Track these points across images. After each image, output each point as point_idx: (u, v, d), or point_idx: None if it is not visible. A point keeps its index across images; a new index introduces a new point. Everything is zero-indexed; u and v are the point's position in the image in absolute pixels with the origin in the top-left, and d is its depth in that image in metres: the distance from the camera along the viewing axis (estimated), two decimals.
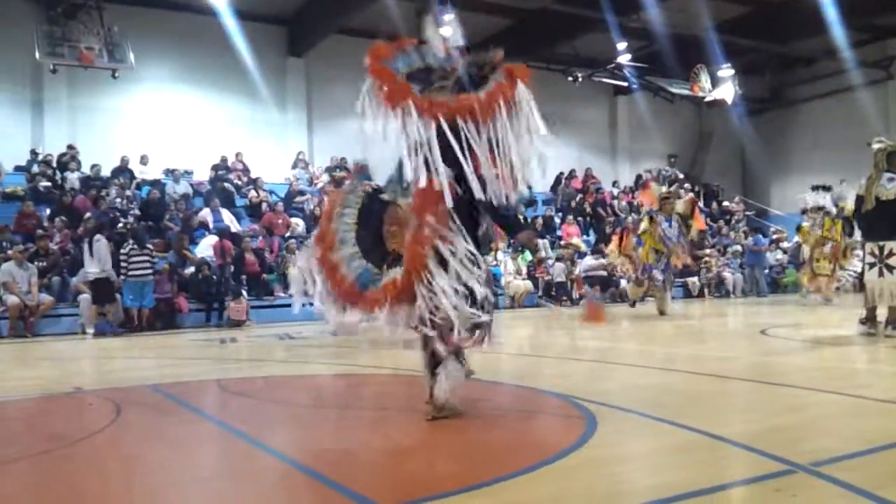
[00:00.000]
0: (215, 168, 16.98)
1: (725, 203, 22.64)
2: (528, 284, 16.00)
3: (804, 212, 13.38)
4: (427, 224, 3.70)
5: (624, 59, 19.41)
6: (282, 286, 14.17)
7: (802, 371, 5.91)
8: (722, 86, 20.54)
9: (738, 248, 19.45)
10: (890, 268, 7.19)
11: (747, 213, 22.45)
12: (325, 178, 17.62)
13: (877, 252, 7.30)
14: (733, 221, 21.54)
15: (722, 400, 4.67)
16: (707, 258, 17.79)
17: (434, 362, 3.95)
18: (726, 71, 20.20)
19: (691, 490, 2.63)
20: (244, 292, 13.30)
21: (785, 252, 18.76)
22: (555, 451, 3.25)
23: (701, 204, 21.92)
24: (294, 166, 17.83)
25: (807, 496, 2.60)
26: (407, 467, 3.24)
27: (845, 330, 9.03)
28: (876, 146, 7.48)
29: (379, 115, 3.95)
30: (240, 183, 16.91)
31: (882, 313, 7.51)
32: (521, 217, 4.01)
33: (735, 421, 3.94)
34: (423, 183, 3.78)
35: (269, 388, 5.78)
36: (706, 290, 17.73)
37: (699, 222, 12.20)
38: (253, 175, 17.20)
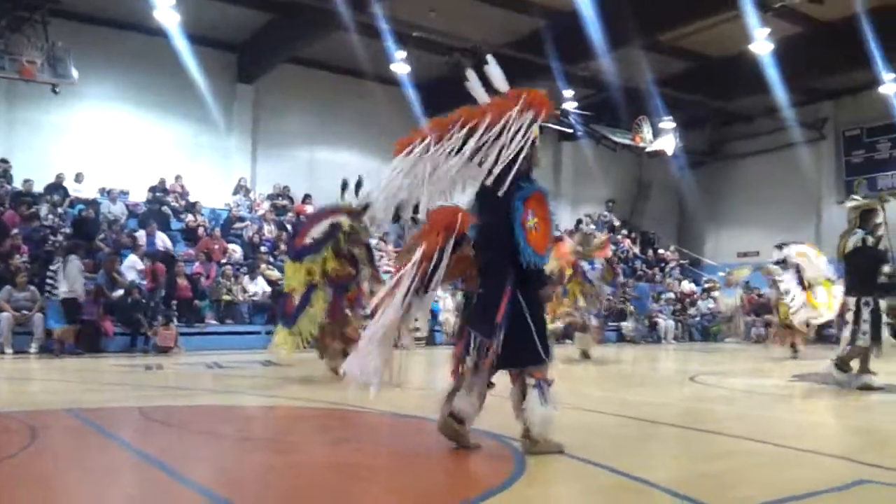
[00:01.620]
0: (153, 189, 16.62)
1: (661, 251, 23.17)
2: None
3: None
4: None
5: (570, 106, 19.83)
6: (214, 313, 13.87)
7: (729, 419, 6.01)
8: (663, 137, 21.14)
9: (672, 295, 19.89)
10: (845, 322, 7.43)
11: (681, 261, 22.99)
12: (267, 205, 17.43)
13: (844, 306, 7.62)
14: (667, 269, 22.03)
15: (650, 444, 4.71)
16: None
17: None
18: (668, 123, 20.81)
19: None
20: (174, 318, 12.96)
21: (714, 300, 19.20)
22: (479, 491, 3.21)
23: (637, 250, 22.45)
24: (235, 192, 17.58)
25: None
26: None
27: (773, 379, 9.27)
28: (850, 204, 7.69)
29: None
30: (177, 206, 16.58)
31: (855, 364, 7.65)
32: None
33: (661, 466, 3.96)
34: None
35: (193, 418, 5.59)
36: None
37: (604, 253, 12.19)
38: (192, 199, 16.89)
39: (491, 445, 4.38)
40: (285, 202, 17.94)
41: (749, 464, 4.06)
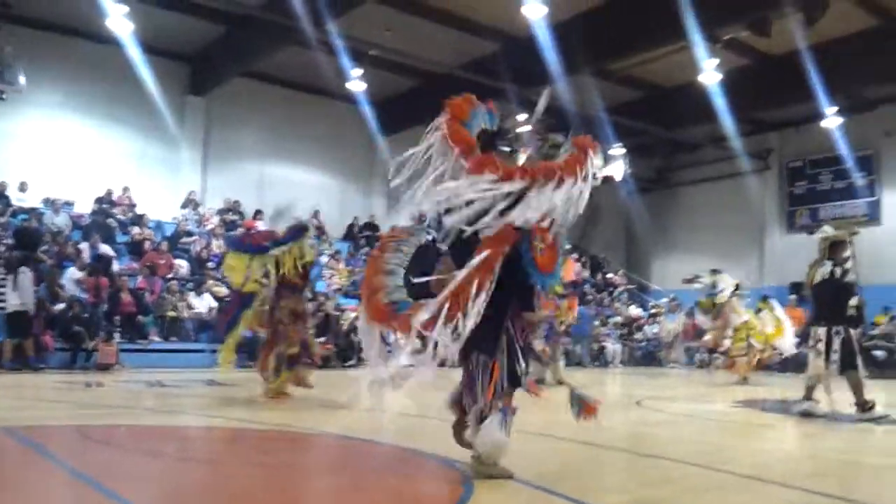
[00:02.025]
0: (99, 201, 16.23)
1: (609, 275, 23.47)
2: (417, 343, 15.93)
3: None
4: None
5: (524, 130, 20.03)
6: (158, 329, 13.56)
7: (673, 443, 6.08)
8: (613, 164, 21.48)
9: (619, 319, 20.14)
10: (818, 352, 7.40)
11: (629, 286, 23.31)
12: (216, 220, 17.16)
13: (812, 336, 7.57)
14: (615, 293, 22.31)
15: (596, 469, 4.73)
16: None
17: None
18: (618, 150, 21.18)
19: None
20: (116, 334, 12.63)
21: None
22: None
23: (587, 274, 22.71)
24: (184, 206, 17.28)
25: None
26: None
27: (717, 405, 9.43)
28: (819, 236, 7.74)
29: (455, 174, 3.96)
30: (124, 218, 16.21)
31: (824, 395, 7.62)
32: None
33: (607, 491, 3.98)
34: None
35: (133, 438, 5.43)
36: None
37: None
38: (139, 211, 16.54)
39: (438, 469, 4.34)
40: (235, 217, 17.69)
41: (692, 489, 4.11)
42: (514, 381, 4.00)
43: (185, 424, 6.45)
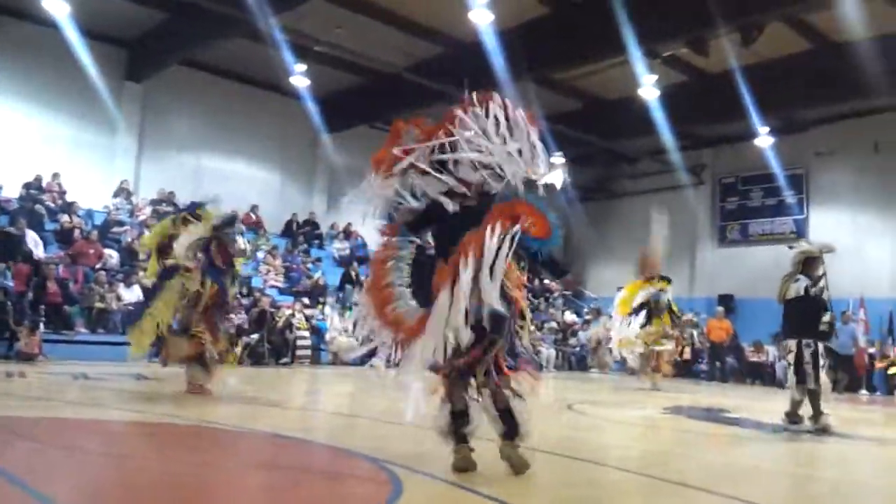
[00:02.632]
0: (27, 186, 15.65)
1: (546, 281, 23.74)
2: (353, 341, 15.81)
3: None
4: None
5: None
6: (85, 321, 13.15)
7: (601, 448, 6.19)
8: (553, 172, 21.72)
9: (554, 324, 20.39)
10: (788, 364, 7.54)
11: (565, 292, 23.62)
12: (149, 210, 16.73)
13: (782, 349, 7.69)
14: (551, 299, 22.59)
15: (525, 471, 4.76)
16: None
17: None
18: (558, 159, 21.46)
19: None
20: (40, 324, 12.20)
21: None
22: None
23: (524, 279, 22.91)
24: (116, 195, 16.78)
25: None
26: None
27: (646, 410, 9.63)
28: (794, 250, 7.82)
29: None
30: (53, 206, 15.67)
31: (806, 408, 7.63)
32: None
33: (534, 493, 4.03)
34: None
35: (54, 432, 5.26)
36: None
37: None
38: (69, 199, 16.01)
39: (368, 469, 4.33)
40: (169, 209, 17.28)
41: (617, 493, 4.19)
42: (514, 358, 4.22)
43: (109, 419, 6.26)
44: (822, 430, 7.29)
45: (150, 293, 8.28)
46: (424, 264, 4.35)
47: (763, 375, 17.85)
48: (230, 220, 8.31)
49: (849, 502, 4.47)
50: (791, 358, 7.48)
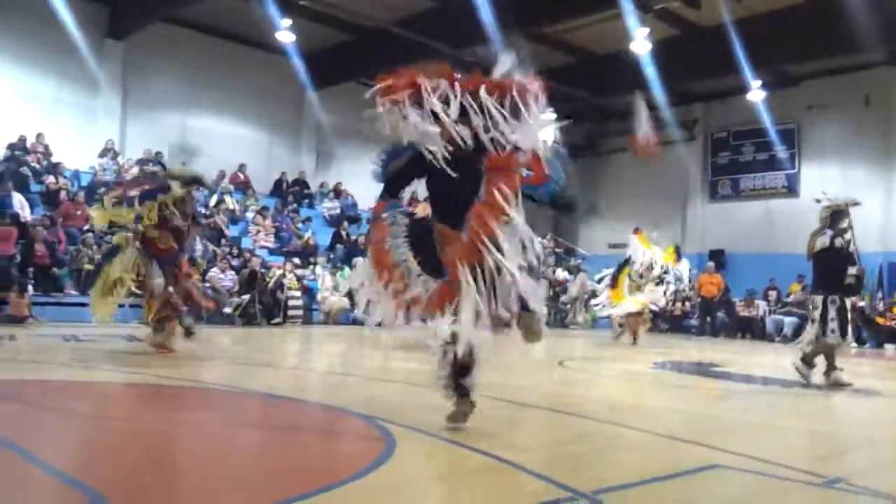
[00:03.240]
0: (12, 147, 15.42)
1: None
2: (345, 301, 15.82)
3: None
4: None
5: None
6: (74, 282, 13.08)
7: (592, 402, 6.23)
8: (545, 128, 21.59)
9: (545, 282, 20.45)
10: (812, 320, 7.47)
11: (556, 250, 23.66)
12: (136, 170, 16.52)
13: (810, 304, 7.59)
14: (543, 257, 22.63)
15: (518, 427, 4.80)
16: None
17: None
18: (549, 115, 21.26)
19: None
20: (29, 286, 12.13)
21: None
22: (345, 475, 3.16)
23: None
24: (102, 155, 16.57)
25: None
26: (182, 487, 3.02)
27: (635, 365, 9.70)
28: (823, 203, 7.70)
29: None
30: (38, 167, 15.47)
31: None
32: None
33: (527, 448, 4.04)
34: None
35: (46, 394, 5.24)
36: None
37: None
38: (54, 160, 15.81)
39: (361, 426, 4.34)
40: (156, 168, 17.09)
41: (608, 447, 4.21)
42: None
43: (101, 380, 6.25)
44: (835, 384, 7.30)
45: (108, 254, 8.22)
46: (423, 233, 4.21)
47: (753, 330, 18.02)
48: (195, 179, 8.23)
49: (835, 452, 4.52)
50: (816, 315, 7.40)
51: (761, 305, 18.43)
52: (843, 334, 7.32)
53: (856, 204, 7.81)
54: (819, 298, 7.47)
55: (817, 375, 7.52)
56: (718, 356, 11.53)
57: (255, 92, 19.36)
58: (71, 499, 2.78)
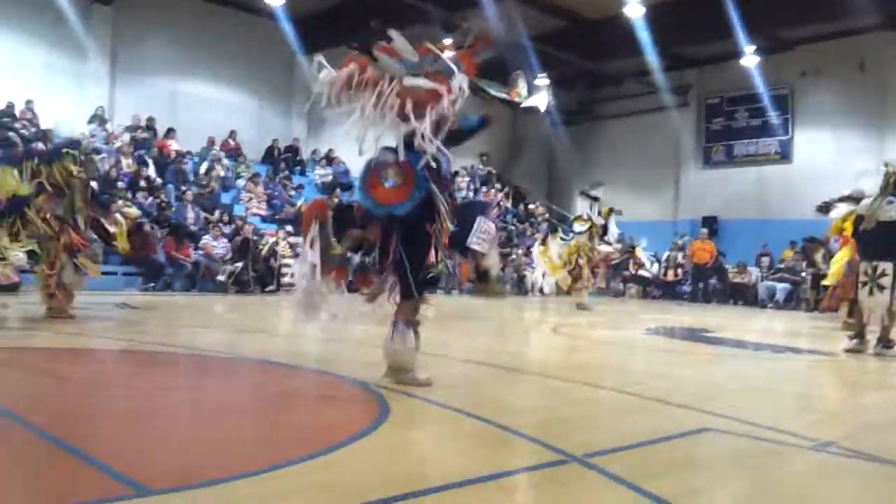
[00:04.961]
0: (0, 114, 15.26)
1: (531, 206, 23.73)
2: None
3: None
4: None
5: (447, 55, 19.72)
6: None
7: (585, 368, 6.28)
8: (537, 94, 21.35)
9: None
10: (881, 287, 7.18)
11: (549, 217, 23.66)
12: (126, 137, 16.40)
13: (870, 272, 7.24)
14: (537, 224, 22.63)
15: (512, 392, 4.83)
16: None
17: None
18: (542, 80, 21.13)
19: (469, 478, 2.66)
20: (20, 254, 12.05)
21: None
22: (339, 439, 3.17)
23: (510, 204, 22.92)
24: (90, 121, 16.41)
25: (577, 486, 2.73)
26: (180, 451, 3.04)
27: (628, 331, 9.77)
28: (889, 168, 7.32)
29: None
30: (27, 133, 15.29)
31: (873, 331, 7.47)
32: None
33: (521, 413, 4.07)
34: None
35: (38, 360, 5.24)
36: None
37: None
38: (43, 127, 15.63)
39: (354, 392, 4.36)
40: (146, 135, 16.96)
41: (601, 411, 4.25)
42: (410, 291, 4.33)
43: (94, 347, 6.25)
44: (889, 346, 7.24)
45: None
46: (345, 216, 4.60)
47: (746, 296, 18.14)
48: (72, 143, 8.23)
49: (826, 416, 4.57)
50: (886, 281, 7.11)
51: (753, 272, 18.53)
52: None
53: None
54: (890, 266, 7.13)
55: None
56: (711, 322, 11.60)
57: (245, 57, 19.14)
58: (70, 465, 2.78)
